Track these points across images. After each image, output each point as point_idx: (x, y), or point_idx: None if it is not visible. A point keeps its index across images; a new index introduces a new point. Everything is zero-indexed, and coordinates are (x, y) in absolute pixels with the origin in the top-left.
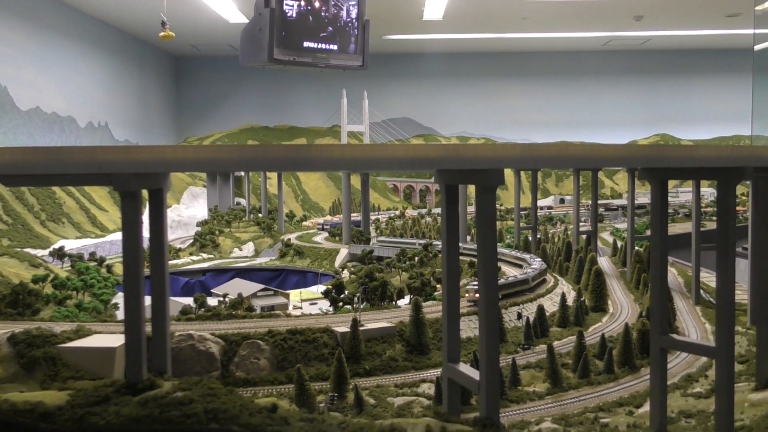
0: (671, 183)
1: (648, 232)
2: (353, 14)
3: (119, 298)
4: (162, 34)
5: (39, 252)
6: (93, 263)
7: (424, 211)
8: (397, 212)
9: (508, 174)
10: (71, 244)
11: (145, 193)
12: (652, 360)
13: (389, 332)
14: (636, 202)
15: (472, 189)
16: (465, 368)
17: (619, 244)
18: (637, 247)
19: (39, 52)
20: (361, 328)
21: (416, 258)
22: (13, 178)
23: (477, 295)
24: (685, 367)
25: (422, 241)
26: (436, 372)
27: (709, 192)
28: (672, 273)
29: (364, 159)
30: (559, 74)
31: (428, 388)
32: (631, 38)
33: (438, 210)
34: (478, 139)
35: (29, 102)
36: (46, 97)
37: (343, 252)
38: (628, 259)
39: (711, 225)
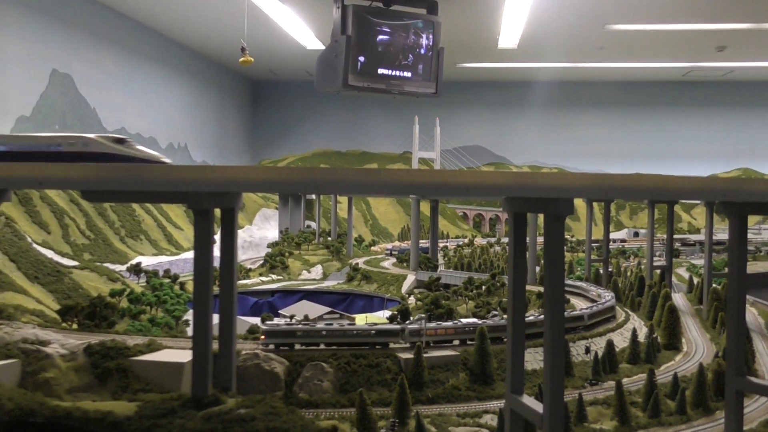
0: (753, 219)
1: (727, 269)
2: (428, 42)
3: (190, 315)
4: (242, 59)
5: (117, 267)
6: (167, 280)
7: (493, 239)
8: (466, 240)
9: (581, 205)
10: (148, 261)
11: (218, 213)
12: (727, 403)
13: (453, 360)
14: (715, 237)
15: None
16: (529, 400)
17: (696, 280)
18: (714, 285)
19: (125, 76)
20: (425, 355)
21: (483, 287)
22: (96, 193)
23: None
24: (764, 413)
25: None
26: (500, 403)
27: None
28: (752, 313)
29: (432, 184)
30: (636, 105)
31: (491, 420)
32: (713, 69)
33: (507, 239)
34: (550, 168)
35: (115, 123)
36: (130, 119)
37: (410, 278)
38: (705, 296)
39: None
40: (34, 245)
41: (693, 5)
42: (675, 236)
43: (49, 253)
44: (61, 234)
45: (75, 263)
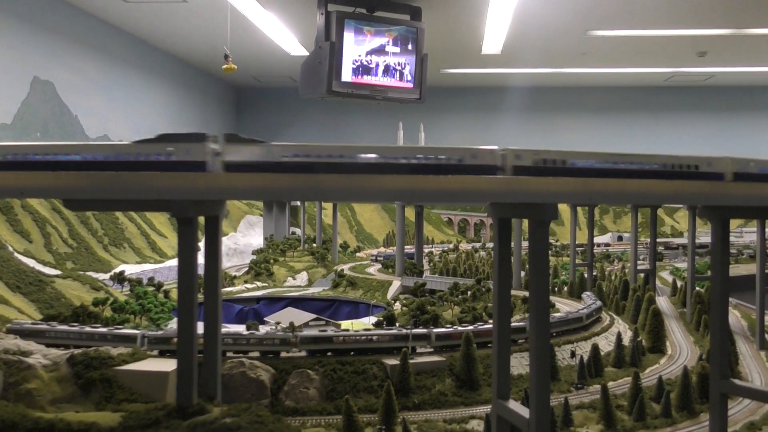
0: (736, 222)
1: (710, 272)
2: (412, 48)
3: (175, 323)
4: (225, 66)
5: (100, 275)
6: (151, 288)
7: (478, 245)
8: (451, 245)
9: (565, 209)
10: (131, 269)
11: (202, 220)
12: (711, 405)
13: (439, 366)
14: (698, 241)
15: (526, 223)
16: (515, 405)
17: (679, 284)
18: (698, 288)
19: (108, 83)
20: (411, 361)
21: (469, 292)
22: (78, 202)
23: None
24: (748, 415)
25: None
26: (486, 408)
27: None
28: (735, 316)
29: (415, 190)
30: (618, 110)
31: (477, 425)
32: (695, 74)
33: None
34: None
35: (98, 130)
36: (113, 126)
37: (396, 284)
38: (689, 299)
39: None
40: (16, 254)
41: (674, 11)
42: (658, 240)
43: (31, 262)
44: (43, 243)
45: (57, 272)
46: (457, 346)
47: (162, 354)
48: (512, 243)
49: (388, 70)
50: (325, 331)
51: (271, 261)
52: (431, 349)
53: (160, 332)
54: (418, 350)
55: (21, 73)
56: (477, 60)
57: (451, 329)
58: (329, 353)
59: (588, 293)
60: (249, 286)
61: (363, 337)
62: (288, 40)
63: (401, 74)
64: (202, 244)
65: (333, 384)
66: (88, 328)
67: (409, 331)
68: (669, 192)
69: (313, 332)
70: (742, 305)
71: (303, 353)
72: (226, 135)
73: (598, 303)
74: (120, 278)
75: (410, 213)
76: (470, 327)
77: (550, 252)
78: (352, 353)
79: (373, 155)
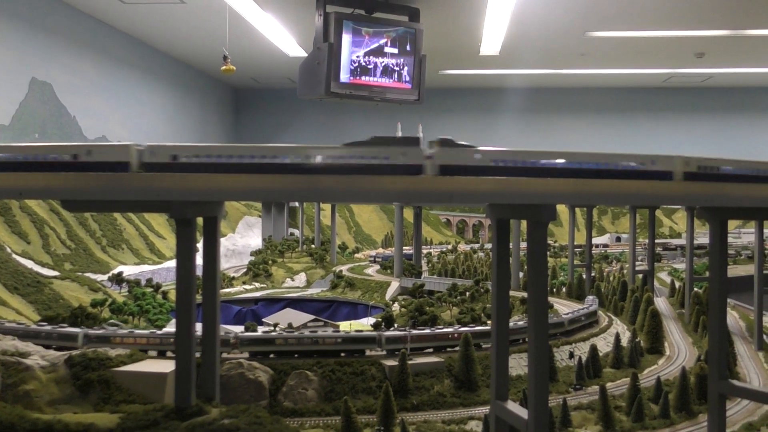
0: (734, 223)
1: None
2: (411, 49)
3: (173, 325)
4: (223, 67)
5: (99, 277)
6: (149, 289)
7: (476, 245)
8: (449, 246)
9: (563, 210)
10: (129, 270)
11: (200, 221)
12: (710, 406)
13: (438, 367)
14: (696, 242)
15: (525, 224)
16: (513, 406)
17: (678, 284)
18: (696, 289)
19: (106, 84)
20: (409, 362)
21: (467, 293)
22: (76, 203)
23: None
24: (747, 415)
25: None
26: (485, 409)
27: None
28: (733, 316)
29: (413, 191)
30: (617, 110)
31: (476, 426)
32: (692, 75)
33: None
34: None
35: (96, 131)
36: (112, 127)
37: (394, 285)
38: (687, 300)
39: None
40: (14, 255)
41: (673, 13)
42: (656, 241)
43: (29, 264)
44: (41, 244)
45: (56, 273)
46: (408, 350)
47: None
48: (510, 244)
49: (386, 71)
50: (268, 332)
51: (270, 262)
52: (383, 352)
53: (101, 330)
54: (367, 353)
55: (19, 74)
56: (475, 61)
57: (401, 332)
58: (272, 355)
59: (591, 297)
60: (247, 287)
61: (306, 339)
62: (286, 41)
63: (399, 75)
64: (200, 245)
65: (331, 385)
66: (33, 326)
67: (357, 333)
68: (667, 194)
69: (256, 333)
70: (741, 306)
71: (246, 354)
72: (439, 140)
73: (590, 308)
74: (118, 279)
75: (408, 214)
76: (427, 330)
77: (548, 253)
78: (296, 356)
79: None
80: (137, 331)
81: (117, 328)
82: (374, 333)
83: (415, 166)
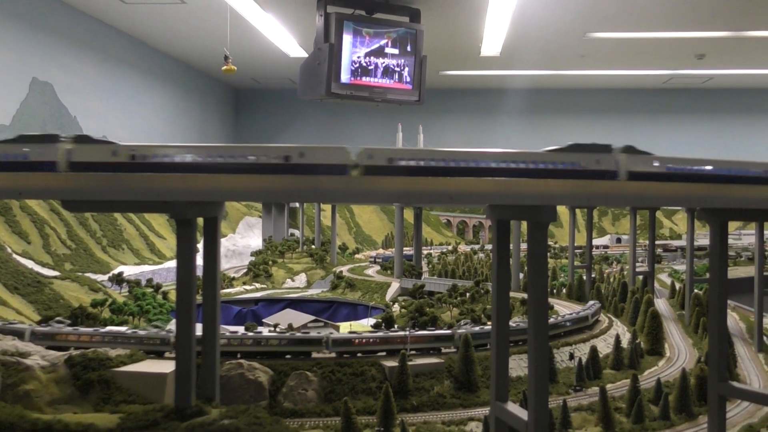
0: (734, 224)
1: (708, 275)
2: (411, 50)
3: (173, 325)
4: (224, 67)
5: (99, 277)
6: (150, 289)
7: (477, 246)
8: (450, 247)
9: (563, 211)
10: (130, 270)
11: (200, 221)
12: (710, 407)
13: (438, 368)
14: (696, 243)
15: (525, 225)
16: (513, 407)
17: (678, 286)
18: (696, 290)
19: (107, 84)
20: (409, 363)
21: (467, 294)
22: (76, 203)
23: None
24: (747, 417)
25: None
26: (485, 410)
27: None
28: (733, 318)
29: (413, 192)
30: (617, 112)
31: (476, 427)
32: (693, 77)
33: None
34: None
35: (97, 131)
36: (112, 127)
37: (395, 285)
38: (687, 301)
39: None
40: (14, 255)
41: (673, 14)
42: (657, 242)
43: (29, 264)
44: (41, 244)
45: (56, 273)
46: (357, 353)
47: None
48: (511, 245)
49: (387, 72)
50: (236, 332)
51: (270, 262)
52: (333, 354)
53: (47, 328)
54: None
55: (19, 74)
56: (476, 62)
57: (351, 335)
58: None
59: (593, 302)
60: (248, 287)
61: (251, 341)
62: (287, 41)
63: (400, 76)
64: (200, 246)
65: (331, 386)
66: None
67: (304, 335)
68: (667, 195)
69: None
70: (741, 307)
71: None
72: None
73: (584, 313)
74: (118, 279)
75: (409, 215)
76: (379, 333)
77: (548, 254)
78: (238, 356)
79: None
80: (81, 329)
81: (63, 326)
82: (321, 335)
83: (611, 172)
